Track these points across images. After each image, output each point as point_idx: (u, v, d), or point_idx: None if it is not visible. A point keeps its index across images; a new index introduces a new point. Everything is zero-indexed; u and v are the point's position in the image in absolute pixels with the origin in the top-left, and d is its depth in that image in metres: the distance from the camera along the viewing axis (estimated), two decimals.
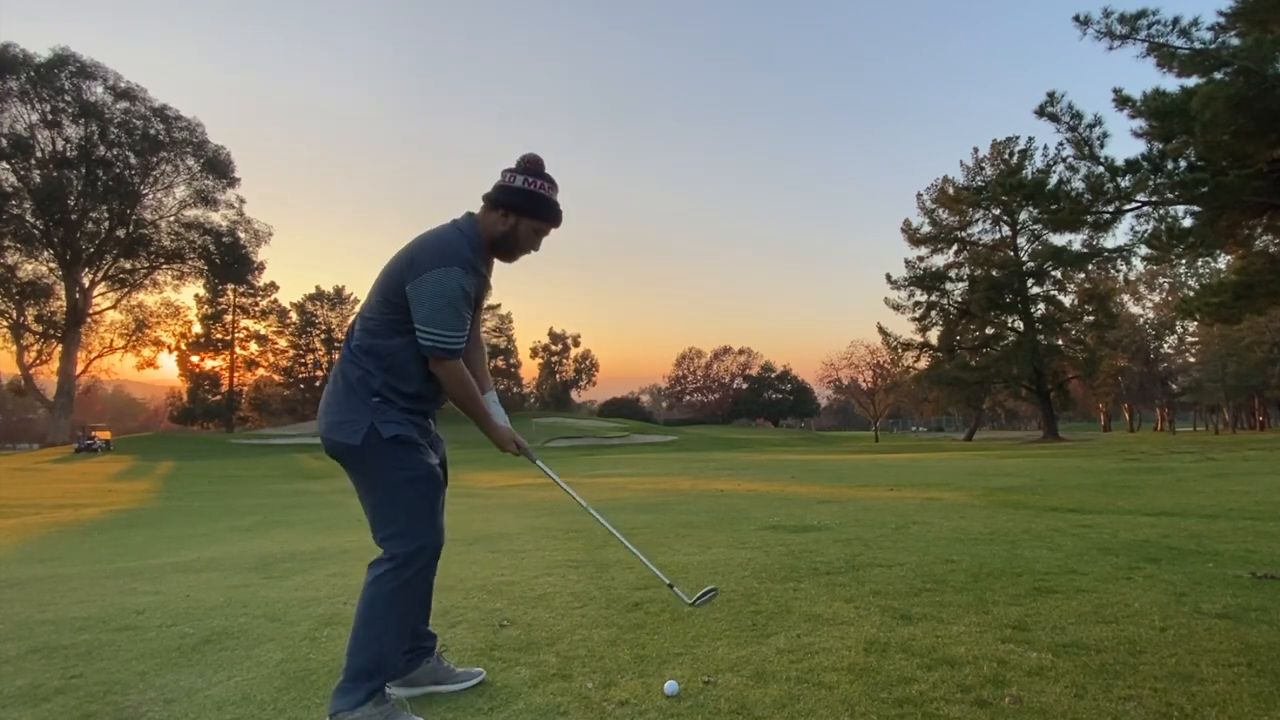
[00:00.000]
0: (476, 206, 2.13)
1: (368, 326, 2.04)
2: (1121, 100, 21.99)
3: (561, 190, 2.13)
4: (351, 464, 2.04)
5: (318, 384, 64.64)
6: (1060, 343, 45.71)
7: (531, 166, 2.08)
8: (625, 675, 2.24)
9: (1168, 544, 4.29)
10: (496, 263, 2.19)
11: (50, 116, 43.41)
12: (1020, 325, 44.93)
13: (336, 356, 2.28)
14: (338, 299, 68.73)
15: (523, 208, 2.06)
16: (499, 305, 73.35)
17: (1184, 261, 43.34)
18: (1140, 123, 22.62)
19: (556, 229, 2.15)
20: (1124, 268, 41.86)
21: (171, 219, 49.15)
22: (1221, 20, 20.96)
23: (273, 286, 62.12)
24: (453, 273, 1.94)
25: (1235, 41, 19.92)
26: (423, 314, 1.94)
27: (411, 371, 2.04)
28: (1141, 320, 63.51)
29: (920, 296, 47.17)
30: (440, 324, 1.95)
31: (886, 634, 2.57)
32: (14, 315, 45.41)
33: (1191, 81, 20.85)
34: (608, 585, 3.49)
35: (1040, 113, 25.01)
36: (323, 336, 67.45)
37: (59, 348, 46.18)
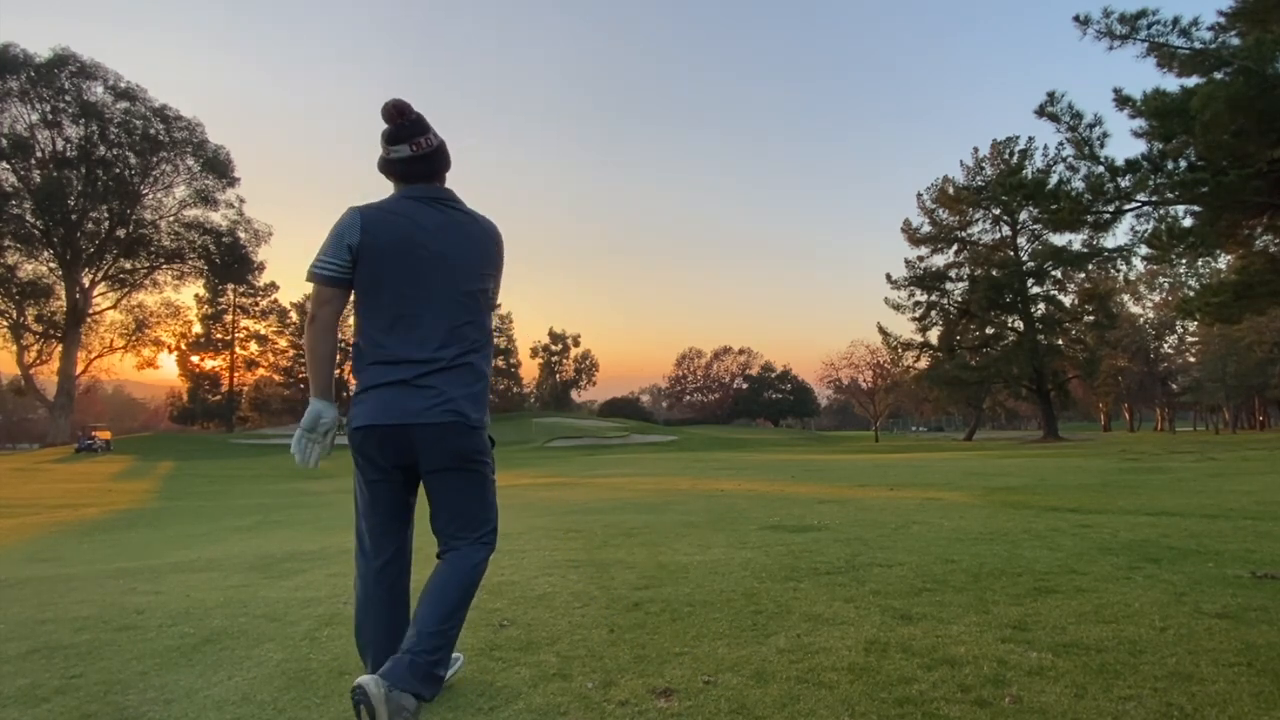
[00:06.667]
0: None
1: None
2: (1121, 100, 22.02)
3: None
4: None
5: None
6: (1060, 343, 45.71)
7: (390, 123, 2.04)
8: (625, 675, 2.24)
9: (1168, 544, 4.28)
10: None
11: (50, 116, 43.41)
12: (1020, 325, 44.93)
13: None
14: None
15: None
16: (499, 305, 73.03)
17: (1184, 261, 43.28)
18: (1140, 123, 22.67)
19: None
20: (1124, 268, 41.95)
21: (171, 219, 49.14)
22: (1221, 20, 21.01)
23: (273, 286, 62.10)
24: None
25: (1235, 41, 19.95)
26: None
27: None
28: (1141, 320, 63.57)
29: (920, 296, 47.23)
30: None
31: (886, 634, 2.57)
32: (14, 315, 45.38)
33: (1191, 81, 20.89)
34: (608, 585, 3.49)
35: (1040, 113, 25.08)
36: None
37: (59, 348, 46.17)
